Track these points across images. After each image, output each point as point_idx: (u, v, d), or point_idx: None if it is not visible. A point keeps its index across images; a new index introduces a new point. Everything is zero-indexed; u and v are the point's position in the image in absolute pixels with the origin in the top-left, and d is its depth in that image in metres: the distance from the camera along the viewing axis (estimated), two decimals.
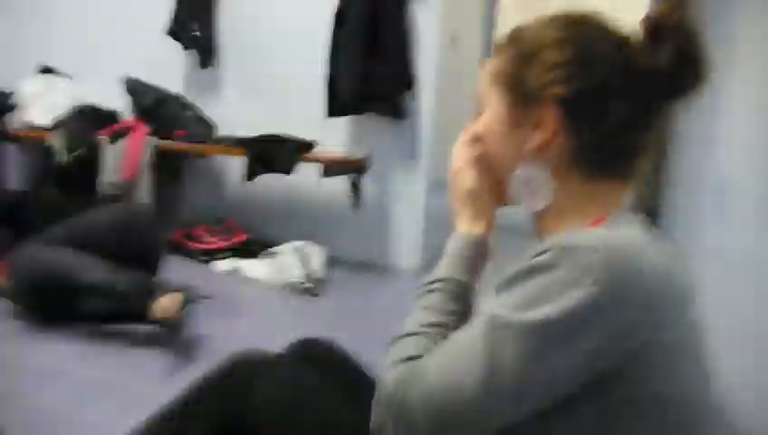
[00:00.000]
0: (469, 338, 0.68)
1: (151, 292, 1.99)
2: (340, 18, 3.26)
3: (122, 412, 1.49)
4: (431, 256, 3.59)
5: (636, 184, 0.80)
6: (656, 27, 0.74)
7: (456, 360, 0.67)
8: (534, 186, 0.78)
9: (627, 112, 0.74)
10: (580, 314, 0.63)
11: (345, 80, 3.19)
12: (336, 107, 3.29)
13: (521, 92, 0.77)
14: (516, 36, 0.81)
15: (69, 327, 2.09)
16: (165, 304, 1.96)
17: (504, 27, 4.70)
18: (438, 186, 3.67)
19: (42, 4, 4.32)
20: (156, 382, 1.82)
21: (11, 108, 3.75)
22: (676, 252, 0.73)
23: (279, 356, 1.10)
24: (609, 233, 0.71)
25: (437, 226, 3.74)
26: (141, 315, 1.97)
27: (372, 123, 3.40)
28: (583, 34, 0.76)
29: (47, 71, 4.05)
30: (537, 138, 0.76)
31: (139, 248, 2.31)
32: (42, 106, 3.72)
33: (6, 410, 1.57)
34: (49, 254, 2.07)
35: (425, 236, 3.50)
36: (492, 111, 0.82)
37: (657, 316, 0.65)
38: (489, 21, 4.66)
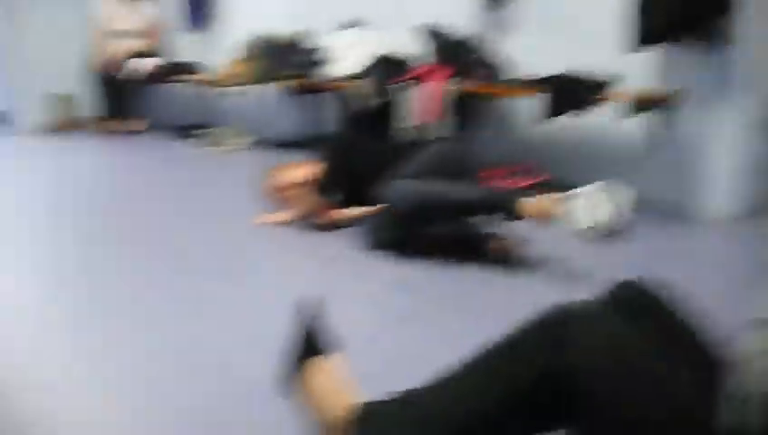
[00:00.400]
0: None
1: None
2: None
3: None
4: (749, 204, 3.20)
5: None
6: None
7: None
8: None
9: None
10: None
11: (655, 5, 2.92)
12: (644, 37, 3.04)
13: None
14: None
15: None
16: (538, 204, 2.17)
17: None
18: (762, 126, 3.22)
19: None
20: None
21: (322, 62, 4.14)
22: None
23: (593, 305, 1.01)
24: None
25: (758, 171, 3.31)
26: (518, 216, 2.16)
27: (684, 53, 3.07)
28: None
29: (351, 25, 4.41)
30: None
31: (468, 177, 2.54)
32: (351, 57, 4.07)
33: None
34: (419, 185, 2.28)
35: (742, 183, 3.12)
36: None
37: None
38: None
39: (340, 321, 1.35)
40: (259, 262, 2.53)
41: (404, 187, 2.30)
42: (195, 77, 6.03)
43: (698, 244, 2.85)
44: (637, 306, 1.02)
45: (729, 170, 3.11)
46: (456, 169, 2.51)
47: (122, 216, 3.20)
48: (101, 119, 6.34)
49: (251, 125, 5.65)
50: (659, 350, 0.92)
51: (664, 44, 3.06)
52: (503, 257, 2.31)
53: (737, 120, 3.05)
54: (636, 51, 3.10)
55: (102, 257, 2.53)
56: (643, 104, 3.05)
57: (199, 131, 5.36)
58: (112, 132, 6.14)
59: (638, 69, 3.23)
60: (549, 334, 0.93)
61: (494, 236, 2.38)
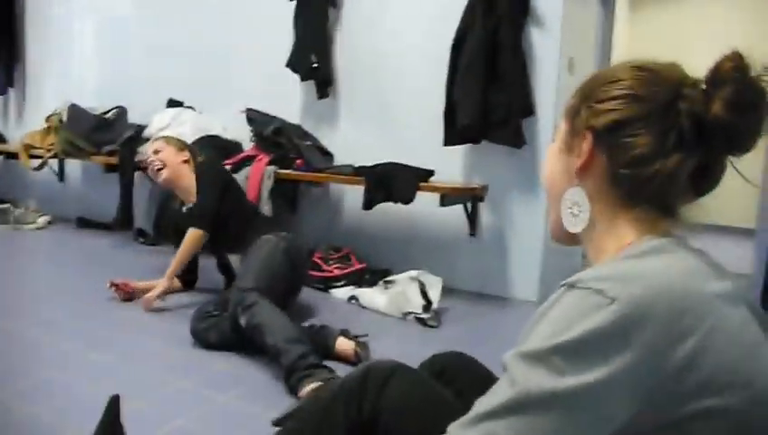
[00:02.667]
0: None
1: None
2: (459, 45, 3.24)
3: None
4: (549, 286, 3.46)
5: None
6: (715, 74, 0.76)
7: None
8: (576, 207, 0.86)
9: (656, 147, 0.77)
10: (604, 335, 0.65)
11: (464, 107, 3.15)
12: (454, 135, 3.26)
13: (573, 123, 0.87)
14: (590, 77, 0.89)
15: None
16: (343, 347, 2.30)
17: (618, 52, 4.54)
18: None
19: (166, 40, 4.59)
20: None
21: (145, 139, 3.96)
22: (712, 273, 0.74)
23: (390, 363, 1.14)
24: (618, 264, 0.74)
25: (556, 256, 3.62)
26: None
27: (490, 151, 3.33)
28: (642, 77, 0.80)
29: (174, 104, 4.28)
30: (577, 162, 0.85)
31: (299, 273, 2.79)
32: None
33: None
34: (258, 314, 2.24)
35: (543, 267, 3.38)
36: (558, 138, 0.91)
37: (678, 327, 0.65)
38: (604, 45, 4.52)
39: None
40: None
41: (246, 310, 2.25)
42: None
43: (506, 324, 3.00)
44: (440, 368, 1.23)
45: (532, 256, 3.34)
46: (289, 266, 2.66)
47: None
48: None
49: (53, 202, 5.19)
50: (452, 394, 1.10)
51: (472, 142, 3.29)
52: (347, 356, 2.30)
53: (538, 211, 3.31)
54: (448, 146, 3.30)
55: None
56: (456, 195, 3.22)
57: None
58: None
59: (453, 162, 3.44)
60: (354, 387, 1.06)
61: (339, 334, 2.38)
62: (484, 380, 1.15)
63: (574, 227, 0.87)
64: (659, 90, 0.78)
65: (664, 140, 0.77)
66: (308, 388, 1.92)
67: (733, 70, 0.74)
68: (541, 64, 3.26)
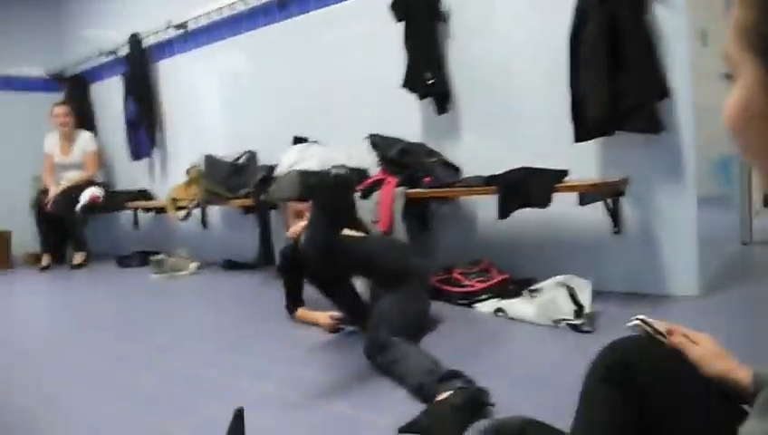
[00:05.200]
0: None
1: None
2: (576, 36, 3.10)
3: None
4: (709, 279, 3.19)
5: None
6: None
7: None
8: None
9: None
10: None
11: (591, 100, 2.99)
12: (585, 130, 3.10)
13: None
14: None
15: None
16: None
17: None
18: (708, 202, 3.28)
19: (283, 81, 4.78)
20: None
21: (273, 178, 4.12)
22: None
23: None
24: None
25: (713, 245, 3.33)
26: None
27: (626, 142, 3.14)
28: None
29: (300, 140, 4.43)
30: None
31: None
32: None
33: None
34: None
35: (699, 259, 3.11)
36: (743, 85, 0.57)
37: None
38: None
39: None
40: None
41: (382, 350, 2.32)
42: (143, 203, 5.98)
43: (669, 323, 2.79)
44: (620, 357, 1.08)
45: (685, 248, 3.10)
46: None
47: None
48: (36, 255, 6.22)
49: (201, 248, 5.52)
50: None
51: (605, 135, 3.12)
52: None
53: (687, 200, 3.08)
54: (580, 142, 3.15)
55: None
56: (595, 193, 3.06)
57: (152, 258, 5.20)
58: (46, 268, 5.97)
59: (588, 159, 3.28)
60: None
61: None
62: (673, 365, 1.05)
63: None
64: None
65: None
66: (442, 395, 1.86)
67: None
68: (670, 42, 3.04)
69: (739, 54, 0.56)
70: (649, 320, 1.09)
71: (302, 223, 2.67)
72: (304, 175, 2.32)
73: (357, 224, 2.95)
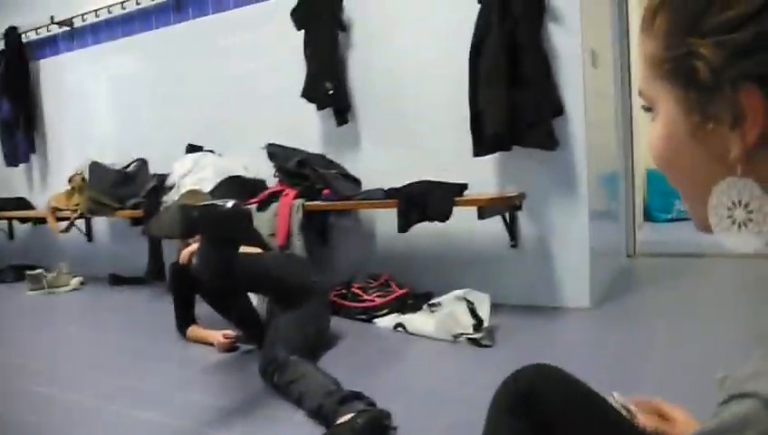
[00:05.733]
0: None
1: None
2: (477, 52, 3.13)
3: None
4: (599, 291, 3.30)
5: None
6: None
7: None
8: (739, 210, 0.52)
9: None
10: None
11: (490, 114, 3.03)
12: (483, 145, 3.14)
13: (689, 78, 0.52)
14: (659, 5, 0.55)
15: None
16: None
17: (637, 41, 4.40)
18: (597, 216, 3.40)
19: (177, 89, 4.57)
20: None
21: (168, 189, 3.91)
22: None
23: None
24: None
25: (601, 258, 3.46)
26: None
27: (523, 157, 3.20)
28: None
29: (194, 149, 4.24)
30: (740, 141, 0.50)
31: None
32: (192, 182, 3.85)
33: None
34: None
35: (591, 271, 3.22)
36: (663, 116, 0.56)
37: None
38: (622, 35, 4.40)
39: None
40: None
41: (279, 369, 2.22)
42: (15, 214, 5.51)
43: (561, 334, 2.85)
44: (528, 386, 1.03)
45: (579, 262, 3.19)
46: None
47: None
48: None
49: (84, 262, 5.16)
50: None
51: (502, 150, 3.16)
52: None
53: (580, 214, 3.17)
54: (478, 156, 3.18)
55: None
56: (493, 207, 3.09)
57: (29, 273, 4.78)
58: None
59: (485, 173, 3.32)
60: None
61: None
62: (580, 392, 1.02)
63: (744, 242, 0.53)
64: None
65: None
66: (343, 418, 1.79)
67: None
68: (564, 61, 3.14)
69: (654, 86, 0.56)
70: (619, 398, 1.06)
71: (193, 246, 2.51)
72: (185, 211, 2.17)
73: (253, 240, 2.82)
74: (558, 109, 3.11)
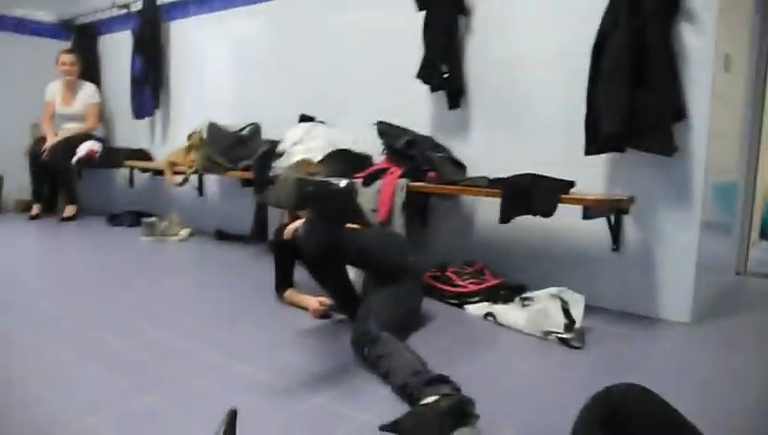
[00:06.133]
0: None
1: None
2: (600, 48, 3.04)
3: None
4: (702, 306, 3.17)
5: None
6: None
7: None
8: None
9: None
10: None
11: (607, 113, 2.94)
12: (597, 144, 3.06)
13: None
14: None
15: None
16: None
17: None
18: (708, 228, 3.24)
19: (295, 57, 4.70)
20: None
21: (278, 155, 4.06)
22: None
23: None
24: None
25: (708, 273, 3.31)
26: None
27: (636, 159, 3.09)
28: None
29: (306, 119, 4.36)
30: None
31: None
32: (302, 151, 3.98)
33: None
34: None
35: (695, 286, 3.08)
36: None
37: None
38: (762, 39, 4.13)
39: None
40: None
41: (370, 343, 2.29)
42: (141, 163, 5.91)
43: (655, 347, 2.76)
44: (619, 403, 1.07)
45: (683, 273, 3.07)
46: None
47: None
48: (27, 203, 6.15)
49: (196, 215, 5.46)
50: None
51: (617, 151, 3.07)
52: None
53: (690, 224, 3.04)
54: (590, 155, 3.11)
55: None
56: (600, 208, 3.02)
57: (145, 220, 5.13)
58: (35, 217, 5.91)
59: (594, 172, 3.24)
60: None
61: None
62: (672, 420, 1.02)
63: None
64: None
65: None
66: (428, 399, 1.83)
67: None
68: (694, 64, 2.99)
69: None
70: None
71: (297, 222, 2.61)
72: (301, 185, 2.25)
73: (356, 216, 2.89)
74: (680, 113, 2.97)
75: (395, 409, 1.89)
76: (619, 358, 2.55)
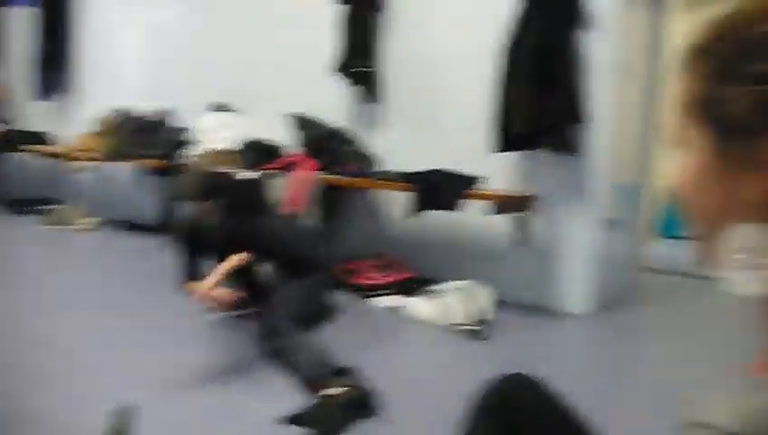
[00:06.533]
0: None
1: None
2: (511, 50, 3.13)
3: None
4: (602, 299, 3.32)
5: None
6: None
7: None
8: (752, 255, 0.53)
9: None
10: None
11: (516, 113, 3.04)
12: (505, 142, 3.15)
13: (724, 123, 0.54)
14: (718, 36, 0.56)
15: None
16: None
17: (671, 54, 4.37)
18: (610, 226, 3.40)
19: (211, 44, 4.59)
20: None
21: (187, 142, 3.96)
22: None
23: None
24: None
25: (608, 268, 3.47)
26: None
27: (540, 158, 3.21)
28: None
29: (220, 107, 4.27)
30: (760, 185, 0.52)
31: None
32: (214, 140, 3.88)
33: None
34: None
35: (596, 280, 3.24)
36: (691, 152, 0.58)
37: None
38: (657, 47, 4.35)
39: None
40: None
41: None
42: (41, 148, 5.58)
43: (558, 338, 2.88)
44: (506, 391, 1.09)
45: (584, 268, 3.21)
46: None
47: None
48: None
49: (100, 204, 5.23)
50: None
51: (523, 150, 3.18)
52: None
53: (591, 222, 3.19)
54: (498, 153, 3.20)
55: None
56: (506, 204, 3.12)
57: (44, 207, 4.86)
58: None
59: (503, 170, 3.33)
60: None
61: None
62: (557, 408, 1.06)
63: (748, 284, 0.54)
64: None
65: None
66: (331, 391, 1.84)
67: None
68: (595, 69, 3.13)
69: (689, 124, 0.58)
70: None
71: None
72: (205, 179, 2.22)
73: (264, 208, 2.86)
74: (583, 115, 3.10)
75: (299, 400, 1.89)
76: (523, 348, 2.64)
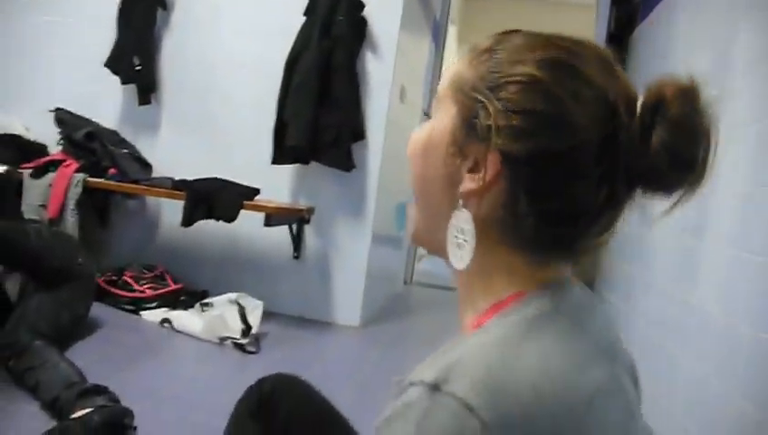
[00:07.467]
0: None
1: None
2: (293, 64, 3.18)
3: None
4: (370, 311, 3.48)
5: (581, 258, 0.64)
6: (656, 103, 0.57)
7: None
8: (461, 235, 0.62)
9: (586, 196, 0.57)
10: None
11: (294, 127, 3.08)
12: (282, 154, 3.18)
13: (469, 118, 0.61)
14: (495, 46, 0.63)
15: None
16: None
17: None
18: (381, 241, 3.59)
19: None
20: None
21: None
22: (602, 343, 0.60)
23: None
24: (493, 360, 0.52)
25: (379, 282, 3.66)
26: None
27: (319, 173, 3.29)
28: (564, 84, 0.57)
29: None
30: (468, 183, 0.61)
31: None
32: None
33: None
34: None
35: (366, 293, 3.38)
36: (440, 118, 0.65)
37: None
38: (434, 77, 4.72)
39: None
40: None
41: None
42: None
43: (327, 349, 2.96)
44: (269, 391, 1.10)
45: (355, 281, 3.34)
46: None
47: None
48: None
49: None
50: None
51: (299, 163, 3.24)
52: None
53: (363, 236, 3.33)
54: (276, 165, 3.22)
55: None
56: (281, 216, 3.14)
57: None
58: None
59: (280, 182, 3.35)
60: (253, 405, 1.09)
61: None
62: (315, 401, 1.10)
63: (460, 261, 0.62)
64: (588, 111, 0.57)
65: (597, 188, 0.57)
66: (79, 413, 1.71)
67: (680, 95, 0.56)
68: (373, 90, 3.30)
69: (446, 95, 0.65)
70: None
71: None
72: None
73: (11, 209, 2.58)
74: (359, 133, 3.25)
75: (44, 426, 1.71)
76: (292, 359, 2.66)
